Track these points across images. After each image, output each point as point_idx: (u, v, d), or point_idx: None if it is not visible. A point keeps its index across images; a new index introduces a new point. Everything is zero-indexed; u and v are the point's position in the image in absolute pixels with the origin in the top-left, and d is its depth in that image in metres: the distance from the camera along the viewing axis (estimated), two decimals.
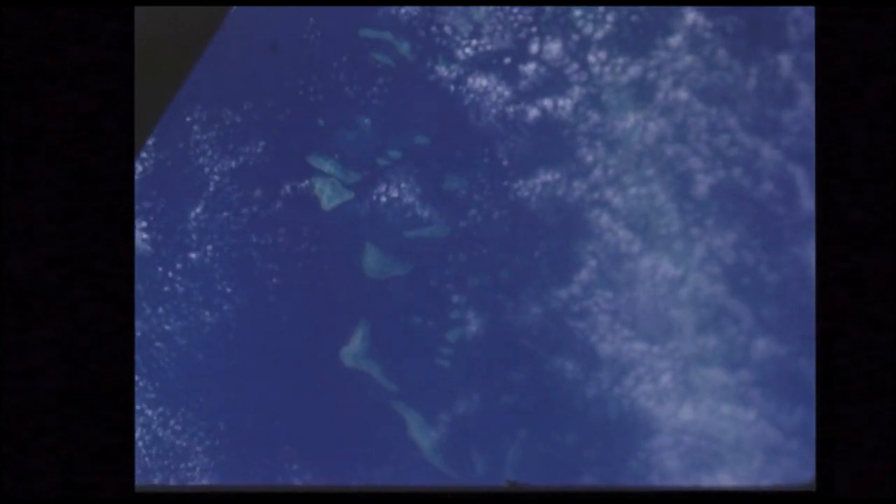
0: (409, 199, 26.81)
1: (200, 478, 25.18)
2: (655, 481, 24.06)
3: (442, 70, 27.27)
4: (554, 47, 26.87)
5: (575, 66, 27.10)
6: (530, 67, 27.18)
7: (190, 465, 25.43)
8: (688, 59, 26.26)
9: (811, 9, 25.30)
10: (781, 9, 25.20)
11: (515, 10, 26.09)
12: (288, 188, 27.10)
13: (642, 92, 26.68)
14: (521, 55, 26.99)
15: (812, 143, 25.21)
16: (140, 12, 4.78)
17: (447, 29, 26.32)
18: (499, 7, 26.10)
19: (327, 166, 27.16)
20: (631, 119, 26.61)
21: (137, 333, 25.67)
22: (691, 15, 25.63)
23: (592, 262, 25.81)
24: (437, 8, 26.03)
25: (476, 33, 26.13)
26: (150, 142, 26.87)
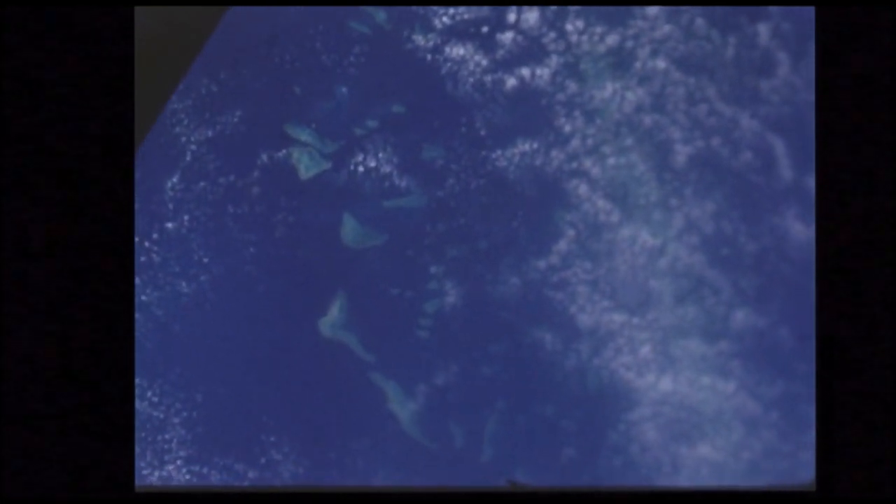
0: (386, 168, 24.46)
1: (178, 450, 22.92)
2: (635, 453, 22.07)
3: (419, 39, 25.05)
4: (531, 16, 24.68)
5: (552, 35, 24.79)
6: (508, 36, 24.86)
7: (167, 436, 23.24)
8: (666, 28, 24.35)
9: None
10: None
11: None
12: (265, 157, 24.76)
13: (620, 61, 24.51)
14: (499, 24, 24.80)
15: (792, 113, 23.79)
16: (140, 12, 4.46)
17: None
18: None
19: (304, 136, 24.83)
20: (609, 88, 24.40)
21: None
22: None
23: (571, 233, 23.54)
24: None
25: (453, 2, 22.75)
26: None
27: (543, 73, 24.23)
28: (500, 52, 24.41)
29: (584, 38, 24.06)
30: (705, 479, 20.94)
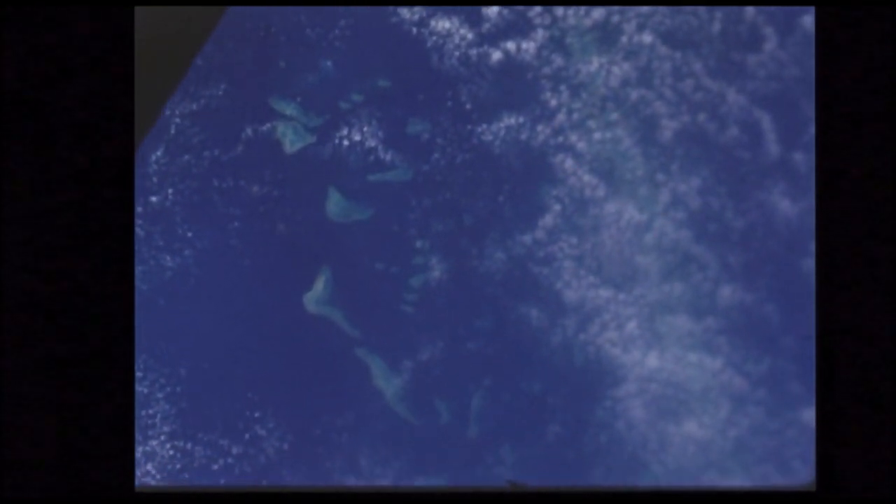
0: (371, 142, 22.35)
1: (161, 425, 20.98)
2: (621, 429, 20.21)
3: (404, 12, 22.90)
4: None
5: (538, 8, 22.68)
6: (493, 10, 22.77)
7: (151, 411, 21.34)
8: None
9: None
10: None
11: None
12: (249, 131, 22.58)
13: (606, 35, 22.42)
14: None
15: (779, 88, 21.69)
16: (140, 12, 4.19)
17: None
18: None
19: (289, 109, 22.69)
20: (595, 63, 22.31)
21: None
22: None
23: (557, 207, 21.58)
24: None
25: None
26: None
27: (529, 47, 22.23)
28: (486, 26, 22.45)
29: (570, 12, 22.01)
30: (692, 457, 18.72)
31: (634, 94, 21.43)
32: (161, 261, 21.76)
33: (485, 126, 21.64)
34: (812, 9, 20.47)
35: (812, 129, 20.88)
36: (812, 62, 21.13)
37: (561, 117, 21.48)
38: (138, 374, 21.64)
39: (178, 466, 20.42)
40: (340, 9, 22.76)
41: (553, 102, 21.60)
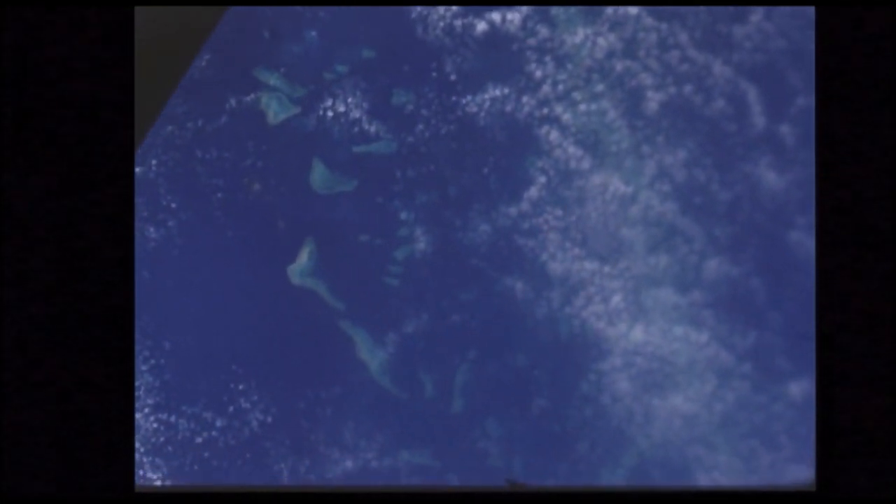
0: (355, 113, 20.14)
1: (145, 397, 19.02)
2: (607, 403, 18.35)
3: None
4: None
5: None
6: None
7: (136, 384, 16.62)
8: None
9: None
10: None
11: None
12: (233, 102, 20.32)
13: (591, 6, 20.14)
14: None
15: (765, 61, 19.47)
16: (140, 12, 3.82)
17: None
18: None
19: (273, 80, 20.45)
20: (580, 34, 20.12)
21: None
22: None
23: (542, 179, 19.53)
24: None
25: None
26: None
27: (514, 17, 20.13)
28: None
29: None
30: (677, 431, 16.76)
31: (620, 66, 19.33)
32: (145, 232, 19.89)
33: (469, 97, 19.58)
34: None
35: (798, 101, 18.67)
36: (798, 34, 19.01)
37: (546, 89, 19.37)
38: None
39: (161, 439, 18.38)
40: None
41: (538, 74, 19.55)
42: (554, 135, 19.35)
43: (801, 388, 17.19)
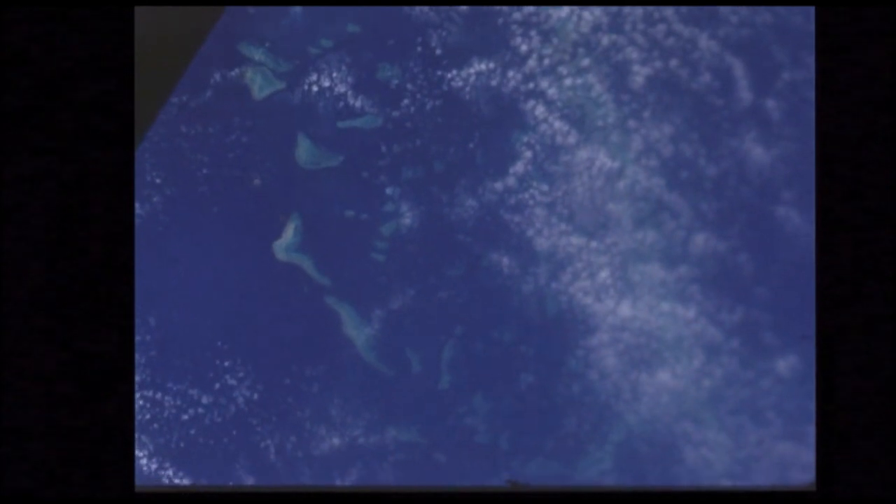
0: (341, 88, 18.36)
1: None
2: (594, 379, 16.78)
3: None
4: None
5: None
6: None
7: None
8: None
9: None
10: None
11: None
12: (218, 77, 18.55)
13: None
14: None
15: (751, 35, 17.74)
16: (139, 12, 3.57)
17: None
18: None
19: (258, 55, 18.66)
20: (565, 8, 18.34)
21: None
22: None
23: (528, 154, 17.85)
24: None
25: None
26: None
27: None
28: None
29: None
30: (665, 407, 15.26)
31: (606, 40, 17.65)
32: None
33: (455, 72, 17.90)
34: None
35: (784, 76, 16.87)
36: (784, 9, 17.25)
37: (532, 63, 17.70)
38: None
39: (147, 417, 16.74)
40: None
41: (524, 48, 17.92)
42: (540, 109, 17.63)
43: (789, 364, 15.66)
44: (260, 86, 18.51)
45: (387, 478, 16.30)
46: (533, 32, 18.05)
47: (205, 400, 17.00)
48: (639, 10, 17.76)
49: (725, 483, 15.16)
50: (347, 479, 16.28)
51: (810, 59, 17.34)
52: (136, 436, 16.96)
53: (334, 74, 18.44)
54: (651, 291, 16.58)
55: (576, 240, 16.97)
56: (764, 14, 17.42)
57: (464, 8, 18.15)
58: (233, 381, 17.09)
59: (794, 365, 15.67)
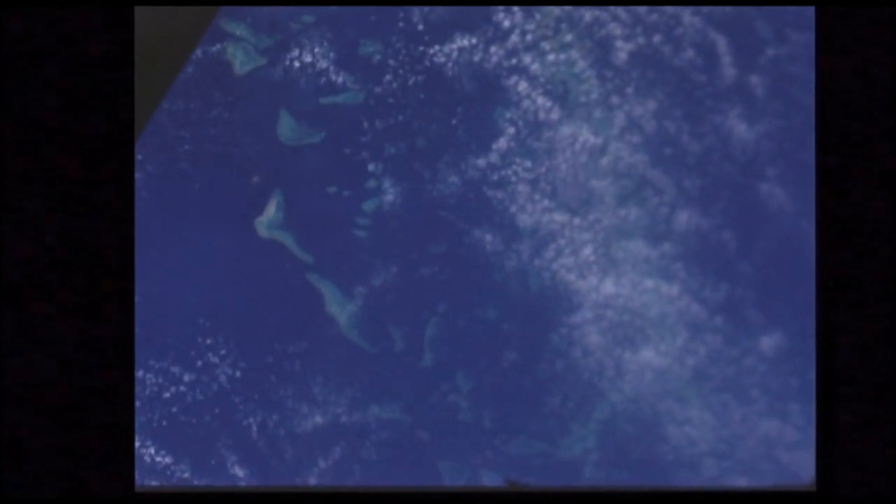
0: (322, 64, 16.42)
1: None
2: (577, 357, 14.95)
3: None
4: None
5: None
6: None
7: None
8: None
9: None
10: None
11: None
12: (199, 52, 16.53)
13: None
14: None
15: (735, 10, 15.77)
16: (137, 12, 3.31)
17: None
18: None
19: (239, 30, 16.66)
20: None
21: None
22: None
23: (511, 130, 15.93)
24: None
25: None
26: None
27: None
28: None
29: None
30: (649, 384, 13.61)
31: (588, 15, 15.90)
32: None
33: (437, 48, 16.16)
34: None
35: (768, 52, 14.97)
36: None
37: (514, 39, 15.96)
38: None
39: None
40: None
41: (506, 23, 16.19)
42: (523, 85, 15.78)
43: (773, 342, 13.99)
44: (241, 61, 16.57)
45: (369, 455, 14.52)
46: (515, 7, 16.09)
47: (186, 378, 15.18)
48: None
49: (710, 463, 13.51)
50: (330, 458, 14.53)
51: (795, 36, 15.49)
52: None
53: (316, 50, 16.49)
54: (634, 268, 14.83)
55: (559, 216, 15.16)
56: None
57: None
58: (215, 359, 15.27)
59: (778, 342, 14.00)
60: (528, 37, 16.41)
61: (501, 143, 15.95)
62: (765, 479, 13.52)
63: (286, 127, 16.55)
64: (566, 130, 15.85)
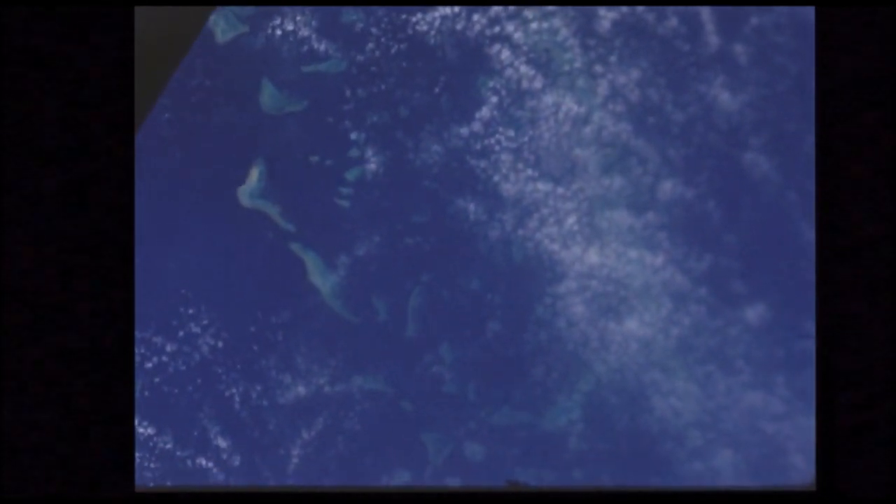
0: (304, 32, 14.31)
1: None
2: (562, 327, 13.22)
3: None
4: None
5: None
6: None
7: None
8: None
9: None
10: None
11: None
12: None
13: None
14: None
15: None
16: (137, 12, 3.06)
17: None
18: None
19: None
20: None
21: None
22: None
23: (493, 99, 14.01)
24: None
25: None
26: None
27: None
28: None
29: None
30: (634, 355, 11.89)
31: None
32: None
33: (420, 15, 14.49)
34: None
35: (752, 21, 12.99)
36: None
37: (497, 7, 13.44)
38: None
39: None
40: None
41: None
42: (505, 54, 13.90)
43: (758, 313, 12.37)
44: (223, 29, 14.57)
45: (353, 426, 12.74)
46: None
47: (169, 348, 13.42)
48: None
49: (695, 434, 11.87)
50: (313, 429, 12.78)
51: (779, 6, 13.53)
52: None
53: (298, 18, 14.51)
54: (618, 238, 13.13)
55: (542, 186, 13.37)
56: None
57: None
58: (197, 329, 13.45)
59: (762, 313, 12.36)
60: (511, 5, 14.42)
61: (484, 111, 14.06)
62: (749, 451, 12.05)
63: (268, 95, 14.53)
64: (549, 99, 13.98)
